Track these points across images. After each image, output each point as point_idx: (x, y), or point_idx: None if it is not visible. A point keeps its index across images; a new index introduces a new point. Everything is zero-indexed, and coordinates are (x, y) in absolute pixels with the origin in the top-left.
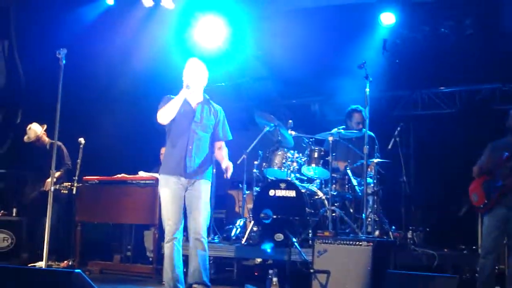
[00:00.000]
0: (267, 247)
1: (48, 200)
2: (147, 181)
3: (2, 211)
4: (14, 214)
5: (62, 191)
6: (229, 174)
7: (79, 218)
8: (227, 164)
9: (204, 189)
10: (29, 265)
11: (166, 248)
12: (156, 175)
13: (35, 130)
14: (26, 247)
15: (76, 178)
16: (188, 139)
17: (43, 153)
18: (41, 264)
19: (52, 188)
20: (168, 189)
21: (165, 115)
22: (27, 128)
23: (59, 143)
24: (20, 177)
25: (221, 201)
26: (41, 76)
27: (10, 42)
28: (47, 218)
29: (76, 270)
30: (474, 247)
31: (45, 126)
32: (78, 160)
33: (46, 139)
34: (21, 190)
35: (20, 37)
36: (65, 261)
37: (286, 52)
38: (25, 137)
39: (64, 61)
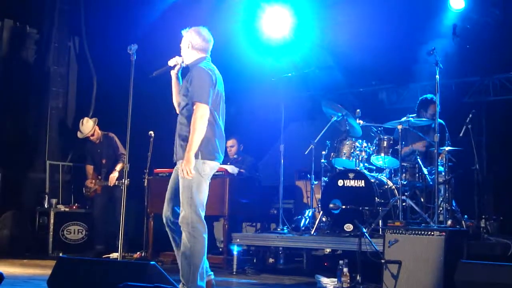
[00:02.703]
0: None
1: (123, 193)
2: (216, 173)
3: (76, 204)
4: (87, 207)
5: (121, 187)
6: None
7: (150, 210)
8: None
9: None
10: (103, 256)
11: None
12: (224, 166)
13: (90, 124)
14: (100, 239)
15: (147, 170)
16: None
17: (96, 146)
18: (115, 255)
19: (127, 182)
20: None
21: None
22: (80, 124)
23: (112, 135)
24: (84, 171)
25: (289, 192)
26: (112, 72)
27: (81, 38)
28: (121, 210)
29: (151, 262)
30: None
31: (97, 120)
32: (149, 153)
33: (99, 132)
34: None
35: (91, 34)
36: (138, 253)
37: (351, 40)
38: (79, 133)
39: (135, 57)
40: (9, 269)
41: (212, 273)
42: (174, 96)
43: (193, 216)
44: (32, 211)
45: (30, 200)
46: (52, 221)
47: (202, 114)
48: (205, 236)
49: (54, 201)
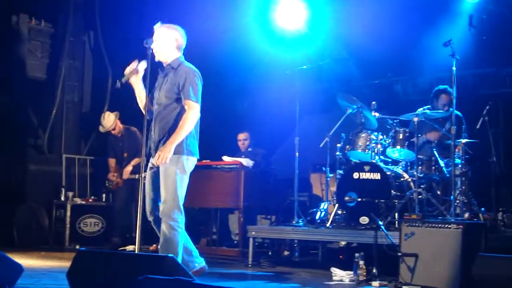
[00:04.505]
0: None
1: (140, 186)
2: (231, 166)
3: (92, 197)
4: (103, 200)
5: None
6: (158, 160)
7: None
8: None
9: (165, 165)
10: (120, 249)
11: None
12: (239, 159)
13: (112, 118)
14: (117, 232)
15: None
16: (154, 113)
17: (117, 140)
18: (132, 248)
19: (143, 175)
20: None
21: None
22: (102, 118)
23: (135, 129)
24: (105, 164)
25: (304, 184)
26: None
27: (96, 32)
28: (139, 203)
29: (169, 255)
30: None
31: (118, 114)
32: None
33: (121, 125)
34: (105, 177)
35: (106, 28)
36: (154, 245)
37: (366, 31)
38: (101, 127)
39: (151, 51)
40: (27, 261)
41: (202, 259)
42: (140, 99)
43: (176, 209)
44: (49, 204)
45: (47, 193)
46: (68, 214)
47: (195, 113)
48: (183, 227)
49: (70, 194)
